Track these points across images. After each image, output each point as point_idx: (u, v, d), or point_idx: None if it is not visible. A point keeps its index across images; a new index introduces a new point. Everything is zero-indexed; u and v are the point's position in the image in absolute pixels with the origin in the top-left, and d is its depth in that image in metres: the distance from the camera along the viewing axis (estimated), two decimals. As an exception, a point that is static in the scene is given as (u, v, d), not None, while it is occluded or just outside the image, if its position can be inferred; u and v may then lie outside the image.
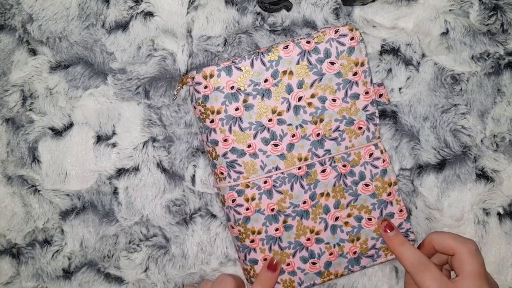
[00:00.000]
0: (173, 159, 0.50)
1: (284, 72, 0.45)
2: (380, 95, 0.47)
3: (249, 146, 0.45)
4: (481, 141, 0.49)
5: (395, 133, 0.49)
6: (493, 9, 0.49)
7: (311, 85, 0.45)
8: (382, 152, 0.46)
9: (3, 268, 0.52)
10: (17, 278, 0.52)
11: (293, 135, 0.45)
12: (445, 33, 0.49)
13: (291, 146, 0.45)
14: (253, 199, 0.45)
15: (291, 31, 0.49)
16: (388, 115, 0.49)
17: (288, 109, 0.45)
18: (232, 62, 0.44)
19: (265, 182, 0.45)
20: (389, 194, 0.47)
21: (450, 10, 0.49)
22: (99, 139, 0.51)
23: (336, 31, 0.45)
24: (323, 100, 0.45)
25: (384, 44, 0.49)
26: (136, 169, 0.50)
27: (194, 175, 0.50)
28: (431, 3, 0.49)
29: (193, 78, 0.45)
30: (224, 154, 0.45)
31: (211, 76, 0.44)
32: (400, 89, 0.49)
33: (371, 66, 0.49)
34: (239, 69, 0.44)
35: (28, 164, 0.51)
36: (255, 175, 0.45)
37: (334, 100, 0.45)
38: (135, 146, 0.50)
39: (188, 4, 0.50)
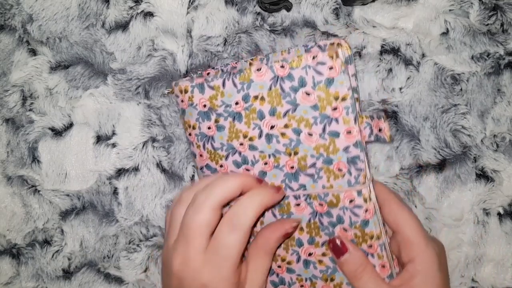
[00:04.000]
0: (173, 159, 0.50)
1: (256, 97, 0.40)
2: (380, 130, 0.40)
3: (221, 166, 0.43)
4: (481, 141, 0.49)
5: (396, 133, 0.49)
6: (493, 9, 0.49)
7: (284, 114, 0.39)
8: (366, 201, 0.40)
9: (3, 268, 0.52)
10: (17, 278, 0.52)
11: (266, 163, 0.41)
12: (445, 33, 0.49)
13: (263, 174, 0.42)
14: None
15: (291, 31, 0.49)
16: (388, 115, 0.49)
17: (260, 136, 0.41)
18: (205, 79, 0.41)
19: None
20: (370, 246, 0.41)
21: (450, 10, 0.49)
22: (99, 139, 0.51)
23: (314, 57, 0.38)
24: (297, 132, 0.39)
25: (384, 44, 0.49)
26: (136, 169, 0.50)
27: (193, 176, 0.50)
28: (431, 3, 0.49)
29: (173, 90, 0.43)
30: (201, 168, 0.44)
31: (185, 91, 0.42)
32: (400, 89, 0.49)
33: (371, 66, 0.49)
34: (211, 87, 0.41)
35: (28, 164, 0.51)
36: None
37: (310, 135, 0.39)
38: (134, 146, 0.50)
39: (188, 4, 0.50)
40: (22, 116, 0.51)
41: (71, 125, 0.51)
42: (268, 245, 0.40)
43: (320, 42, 0.42)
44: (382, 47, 0.49)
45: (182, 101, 0.43)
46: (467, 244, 0.49)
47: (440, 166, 0.49)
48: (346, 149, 0.39)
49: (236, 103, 0.40)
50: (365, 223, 0.40)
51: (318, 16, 0.49)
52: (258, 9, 0.50)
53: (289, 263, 0.44)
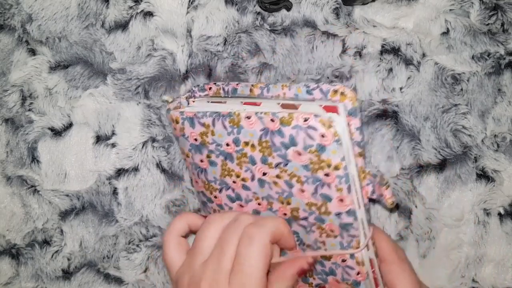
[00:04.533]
0: (173, 159, 0.50)
1: (246, 143, 0.37)
2: (381, 195, 0.37)
3: (215, 197, 0.42)
4: (482, 141, 0.49)
5: (396, 133, 0.49)
6: (493, 9, 0.49)
7: (276, 166, 0.37)
8: (358, 264, 0.38)
9: (2, 268, 0.51)
10: (16, 278, 0.51)
11: (259, 204, 0.40)
12: (446, 33, 0.49)
13: (257, 212, 0.40)
14: None
15: (291, 30, 0.49)
16: (389, 115, 0.49)
17: (253, 179, 0.39)
18: (195, 115, 0.39)
19: None
20: None
21: (450, 9, 0.49)
22: (99, 139, 0.51)
23: (306, 120, 0.34)
24: (289, 185, 0.37)
25: (384, 44, 0.49)
26: (136, 169, 0.50)
27: (194, 175, 0.50)
28: (431, 3, 0.49)
29: (168, 111, 0.42)
30: (198, 193, 0.44)
31: (177, 122, 0.41)
32: (401, 88, 0.49)
33: (372, 66, 0.49)
34: (202, 124, 0.39)
35: (28, 164, 0.51)
36: None
37: (302, 191, 0.37)
38: (134, 146, 0.50)
39: (187, 4, 0.50)
40: (21, 116, 0.51)
41: (70, 125, 0.51)
42: (284, 281, 0.39)
43: (323, 86, 0.38)
44: (382, 46, 0.49)
45: (174, 129, 0.42)
46: (467, 244, 0.49)
47: (441, 166, 0.49)
48: (338, 214, 0.37)
49: (227, 145, 0.39)
50: (357, 284, 0.39)
51: (318, 16, 0.49)
52: (258, 9, 0.50)
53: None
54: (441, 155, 0.49)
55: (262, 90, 0.40)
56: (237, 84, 0.43)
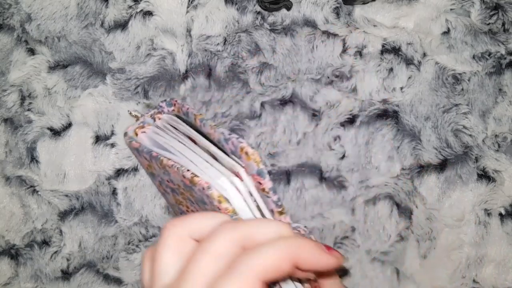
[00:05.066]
0: (173, 159, 0.50)
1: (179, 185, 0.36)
2: None
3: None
4: (483, 141, 0.49)
5: (397, 133, 0.49)
6: (494, 8, 0.49)
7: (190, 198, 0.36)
8: None
9: (1, 269, 0.51)
10: (15, 279, 0.51)
11: None
12: (446, 33, 0.49)
13: None
14: None
15: (291, 30, 0.49)
16: (389, 115, 0.49)
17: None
18: (140, 146, 0.37)
19: None
20: None
21: (451, 9, 0.49)
22: (98, 139, 0.50)
23: (204, 188, 0.32)
24: None
25: (385, 44, 0.49)
26: (135, 169, 0.50)
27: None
28: (432, 2, 0.49)
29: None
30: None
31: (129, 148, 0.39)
32: (401, 88, 0.49)
33: (372, 65, 0.49)
34: (145, 158, 0.37)
35: (27, 164, 0.51)
36: None
37: None
38: (134, 146, 0.50)
39: (187, 3, 0.50)
40: (20, 116, 0.51)
41: (69, 125, 0.51)
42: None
43: (235, 140, 0.33)
44: (383, 46, 0.49)
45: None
46: (468, 244, 0.49)
47: (441, 166, 0.49)
48: None
49: (167, 181, 0.37)
50: None
51: (318, 15, 0.49)
52: (258, 8, 0.49)
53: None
54: (442, 155, 0.49)
55: (201, 123, 0.38)
56: (188, 108, 0.40)
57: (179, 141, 0.38)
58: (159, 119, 0.41)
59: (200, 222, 0.28)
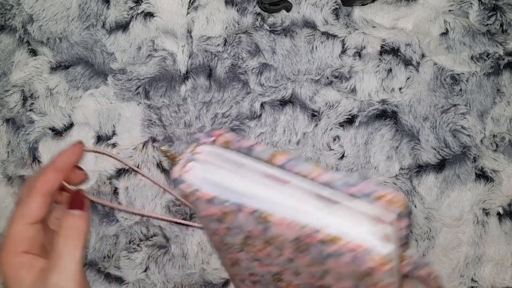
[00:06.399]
0: (173, 159, 0.50)
1: (274, 237, 0.31)
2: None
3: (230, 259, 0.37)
4: (481, 141, 0.49)
5: (396, 133, 0.49)
6: (492, 10, 0.49)
7: (310, 264, 0.32)
8: None
9: (3, 268, 0.52)
10: (17, 278, 0.52)
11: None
12: (445, 34, 0.49)
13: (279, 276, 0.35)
14: None
15: (291, 31, 0.49)
16: (388, 115, 0.49)
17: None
18: (214, 198, 0.31)
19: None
20: None
21: (449, 10, 0.49)
22: (99, 139, 0.51)
23: (353, 250, 0.29)
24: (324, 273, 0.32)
25: (384, 44, 0.49)
26: (136, 169, 0.51)
27: (194, 175, 0.50)
28: (430, 4, 0.49)
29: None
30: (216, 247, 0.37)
31: (186, 197, 0.33)
32: (400, 89, 0.49)
33: (371, 66, 0.49)
34: (222, 212, 0.32)
35: (29, 164, 0.51)
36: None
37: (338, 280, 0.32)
38: (135, 146, 0.50)
39: (188, 5, 0.50)
40: (22, 116, 0.51)
41: (71, 125, 0.51)
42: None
43: (364, 187, 0.30)
44: (381, 47, 0.49)
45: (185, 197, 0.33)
46: (466, 244, 0.49)
47: (440, 166, 0.49)
48: None
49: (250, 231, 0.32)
50: None
51: (318, 16, 0.49)
52: (258, 10, 0.50)
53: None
54: (440, 155, 0.49)
55: (288, 162, 0.32)
56: (254, 145, 0.33)
57: (253, 181, 0.31)
58: (198, 154, 0.33)
59: None
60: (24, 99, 0.51)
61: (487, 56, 0.49)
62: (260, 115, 0.50)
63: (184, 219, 0.50)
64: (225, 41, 0.50)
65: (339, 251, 0.29)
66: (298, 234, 0.30)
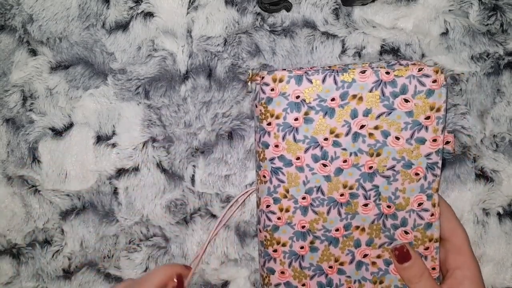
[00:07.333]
0: (173, 159, 0.50)
1: (354, 96, 0.42)
2: (447, 142, 0.44)
3: (297, 158, 0.43)
4: (481, 141, 0.49)
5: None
6: (492, 9, 0.49)
7: (378, 116, 0.42)
8: (434, 206, 0.43)
9: (3, 268, 0.52)
10: (17, 278, 0.52)
11: (345, 161, 0.43)
12: (445, 33, 0.49)
13: (339, 171, 0.43)
14: (287, 210, 0.44)
15: (291, 31, 0.49)
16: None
17: (347, 134, 0.43)
18: (305, 72, 0.42)
19: (304, 198, 0.44)
20: (427, 248, 0.44)
21: (449, 10, 0.49)
22: (99, 139, 0.51)
23: (420, 70, 0.41)
24: (385, 134, 0.42)
25: (384, 44, 0.49)
26: (136, 169, 0.50)
27: (193, 175, 0.50)
28: (430, 4, 0.49)
29: (263, 77, 0.43)
30: (272, 159, 0.44)
31: (281, 80, 0.42)
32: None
33: (371, 66, 0.49)
34: (310, 81, 0.42)
35: (28, 164, 0.51)
36: (296, 188, 0.44)
37: (397, 138, 0.42)
38: (135, 146, 0.50)
39: (188, 5, 0.50)
40: (22, 116, 0.51)
41: (71, 125, 0.51)
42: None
43: (402, 61, 0.44)
44: (381, 47, 0.49)
45: (272, 89, 0.42)
46: (466, 244, 0.49)
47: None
48: (428, 155, 0.43)
49: (332, 99, 0.42)
50: (428, 226, 0.44)
51: (318, 17, 0.49)
52: (258, 10, 0.50)
53: (341, 263, 0.45)
54: (440, 155, 0.49)
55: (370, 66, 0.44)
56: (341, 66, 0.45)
57: None
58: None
59: None
60: (24, 99, 0.51)
61: (487, 56, 0.49)
62: (260, 115, 0.50)
63: (184, 218, 0.50)
64: (225, 41, 0.50)
65: (409, 76, 0.41)
66: (378, 77, 0.42)
